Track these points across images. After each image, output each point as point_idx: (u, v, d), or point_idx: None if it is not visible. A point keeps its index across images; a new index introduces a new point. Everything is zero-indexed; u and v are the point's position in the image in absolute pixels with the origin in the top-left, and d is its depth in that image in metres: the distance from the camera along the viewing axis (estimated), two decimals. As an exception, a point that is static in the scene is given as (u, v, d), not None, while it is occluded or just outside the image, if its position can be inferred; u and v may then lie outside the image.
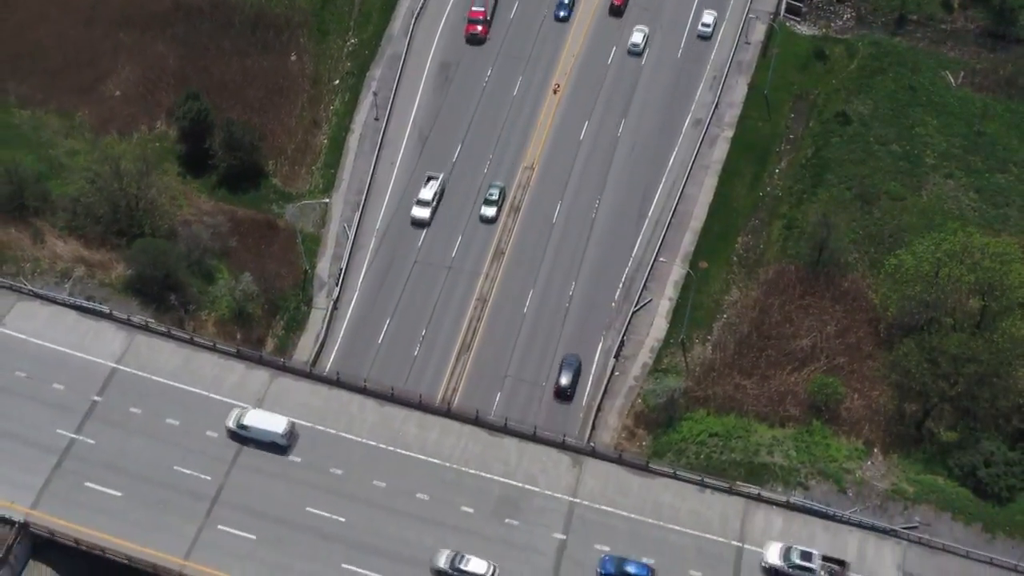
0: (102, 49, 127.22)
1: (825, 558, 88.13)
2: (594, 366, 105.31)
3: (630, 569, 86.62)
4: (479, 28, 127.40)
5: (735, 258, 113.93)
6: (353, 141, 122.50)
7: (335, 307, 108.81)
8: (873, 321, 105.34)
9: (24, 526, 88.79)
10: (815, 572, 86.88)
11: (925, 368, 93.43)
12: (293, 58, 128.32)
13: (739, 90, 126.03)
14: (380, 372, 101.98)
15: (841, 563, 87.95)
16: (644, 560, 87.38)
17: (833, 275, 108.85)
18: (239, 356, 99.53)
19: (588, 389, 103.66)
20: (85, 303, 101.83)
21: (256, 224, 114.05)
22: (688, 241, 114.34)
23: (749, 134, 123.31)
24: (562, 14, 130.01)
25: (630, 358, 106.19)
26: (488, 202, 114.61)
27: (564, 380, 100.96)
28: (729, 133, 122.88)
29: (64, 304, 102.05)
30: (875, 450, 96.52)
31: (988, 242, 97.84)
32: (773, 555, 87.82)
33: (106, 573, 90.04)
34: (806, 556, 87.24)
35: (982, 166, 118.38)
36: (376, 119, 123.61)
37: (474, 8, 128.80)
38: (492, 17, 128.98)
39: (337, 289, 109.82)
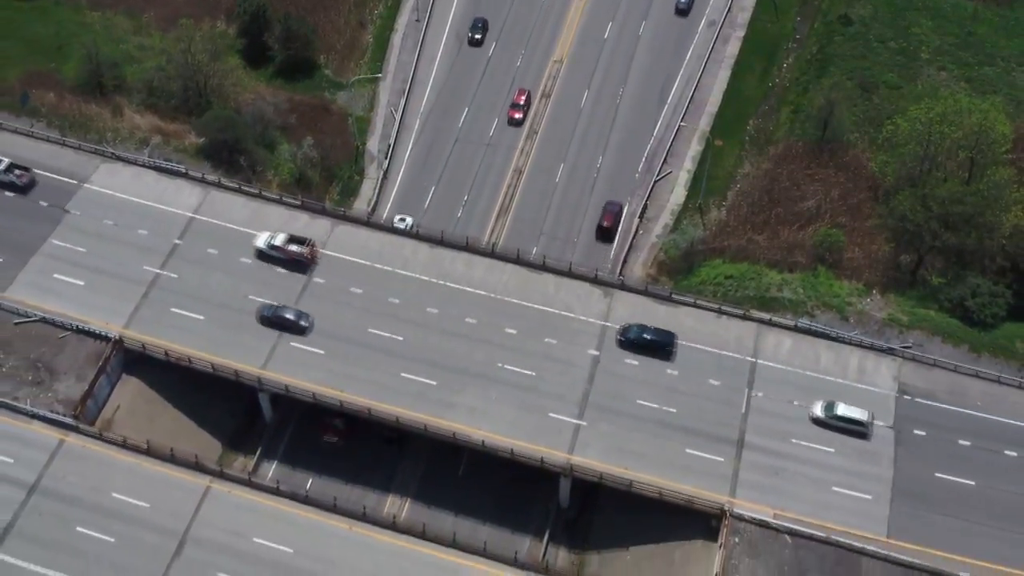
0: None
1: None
2: (620, 226, 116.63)
3: None
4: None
5: (747, 138, 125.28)
6: (397, 39, 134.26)
7: (385, 177, 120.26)
8: (873, 188, 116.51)
9: (119, 341, 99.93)
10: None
11: (919, 211, 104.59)
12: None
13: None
14: (427, 230, 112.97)
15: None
16: None
17: (836, 150, 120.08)
18: (303, 207, 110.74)
19: (615, 245, 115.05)
20: (163, 163, 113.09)
21: (312, 106, 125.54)
22: (704, 123, 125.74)
23: (759, 34, 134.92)
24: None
25: (652, 219, 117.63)
26: None
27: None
28: (740, 33, 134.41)
29: (144, 165, 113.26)
30: (874, 291, 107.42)
31: (974, 102, 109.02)
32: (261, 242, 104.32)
33: (188, 386, 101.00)
34: None
35: (972, 60, 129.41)
36: (417, 20, 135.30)
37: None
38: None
39: (386, 161, 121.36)
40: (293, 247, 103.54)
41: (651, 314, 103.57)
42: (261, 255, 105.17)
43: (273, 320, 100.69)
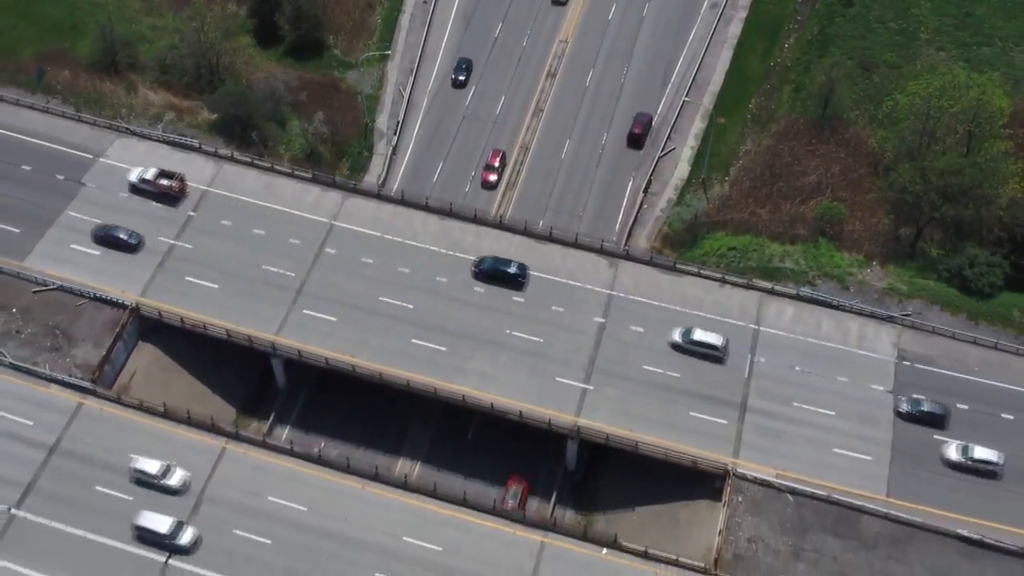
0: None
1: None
2: (624, 201, 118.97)
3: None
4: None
5: (749, 116, 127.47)
6: (405, 20, 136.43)
7: (394, 153, 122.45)
8: (873, 163, 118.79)
9: (135, 309, 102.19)
10: None
11: (918, 182, 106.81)
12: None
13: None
14: (437, 202, 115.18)
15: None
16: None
17: (837, 127, 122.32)
18: (314, 180, 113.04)
19: (619, 219, 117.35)
20: (177, 138, 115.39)
21: (321, 85, 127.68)
22: (707, 102, 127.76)
23: (761, 16, 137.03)
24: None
25: (656, 194, 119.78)
26: None
27: None
28: (743, 15, 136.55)
29: (158, 140, 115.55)
30: (874, 262, 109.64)
31: (972, 77, 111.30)
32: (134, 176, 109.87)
33: (203, 353, 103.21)
34: None
35: (971, 40, 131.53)
36: (425, 2, 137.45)
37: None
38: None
39: (395, 138, 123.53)
40: (163, 181, 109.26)
41: (655, 283, 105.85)
42: (134, 189, 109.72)
43: (106, 239, 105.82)
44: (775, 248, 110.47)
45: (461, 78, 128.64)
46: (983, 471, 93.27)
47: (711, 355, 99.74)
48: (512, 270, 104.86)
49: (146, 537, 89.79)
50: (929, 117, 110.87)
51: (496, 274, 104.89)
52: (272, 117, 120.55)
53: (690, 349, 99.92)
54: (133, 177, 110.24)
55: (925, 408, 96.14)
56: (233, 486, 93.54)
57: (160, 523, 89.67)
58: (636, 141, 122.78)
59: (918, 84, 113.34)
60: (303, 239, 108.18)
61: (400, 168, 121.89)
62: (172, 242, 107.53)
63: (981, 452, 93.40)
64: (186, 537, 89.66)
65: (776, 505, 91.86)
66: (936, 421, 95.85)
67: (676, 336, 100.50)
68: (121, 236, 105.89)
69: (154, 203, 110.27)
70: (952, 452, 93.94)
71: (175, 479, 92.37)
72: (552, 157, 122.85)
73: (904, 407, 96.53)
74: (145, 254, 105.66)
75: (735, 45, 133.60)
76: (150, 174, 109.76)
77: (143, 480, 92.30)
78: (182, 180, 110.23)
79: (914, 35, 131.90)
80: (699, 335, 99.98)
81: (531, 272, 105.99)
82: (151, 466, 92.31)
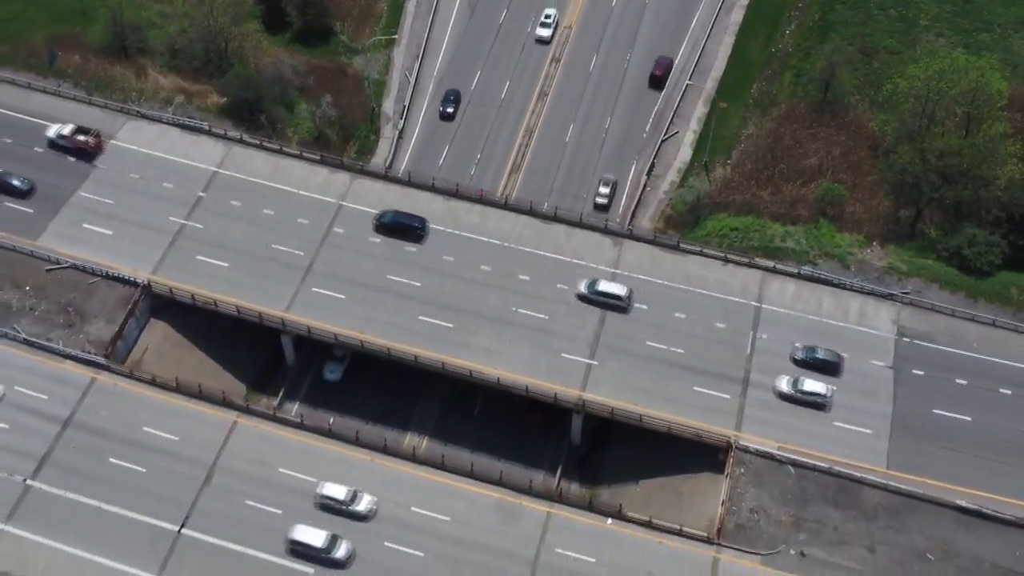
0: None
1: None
2: (628, 184, 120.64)
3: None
4: None
5: (751, 100, 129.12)
6: (411, 6, 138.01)
7: (400, 136, 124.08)
8: (873, 147, 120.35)
9: (147, 287, 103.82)
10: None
11: (918, 164, 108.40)
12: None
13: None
14: (443, 182, 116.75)
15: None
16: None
17: (837, 111, 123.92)
18: (322, 162, 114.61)
19: (623, 201, 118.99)
20: (187, 121, 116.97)
21: (328, 70, 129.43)
22: (710, 87, 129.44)
23: (762, 3, 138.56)
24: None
25: (660, 177, 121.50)
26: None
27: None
28: (744, 1, 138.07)
29: (168, 123, 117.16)
30: (874, 242, 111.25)
31: (971, 60, 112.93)
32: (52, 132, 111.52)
33: (214, 330, 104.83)
34: None
35: (970, 27, 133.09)
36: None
37: None
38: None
39: (402, 121, 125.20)
40: (79, 136, 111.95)
41: (659, 262, 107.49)
42: (52, 144, 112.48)
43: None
44: (777, 228, 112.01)
45: (449, 110, 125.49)
46: (811, 402, 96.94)
47: (616, 305, 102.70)
48: (412, 223, 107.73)
49: (299, 551, 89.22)
50: (928, 100, 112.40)
51: (396, 227, 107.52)
52: (280, 101, 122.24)
53: (596, 300, 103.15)
54: (51, 133, 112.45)
55: (819, 355, 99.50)
56: (244, 457, 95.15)
57: (315, 537, 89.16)
58: (657, 82, 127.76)
59: (918, 67, 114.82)
60: (311, 219, 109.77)
61: (407, 152, 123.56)
62: (183, 222, 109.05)
63: (810, 385, 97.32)
64: (341, 551, 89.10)
65: (778, 477, 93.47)
66: (829, 368, 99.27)
67: (582, 288, 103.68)
68: (14, 183, 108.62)
69: (166, 184, 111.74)
70: (784, 385, 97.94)
71: (363, 505, 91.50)
72: (556, 141, 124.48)
73: (799, 355, 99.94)
74: (38, 200, 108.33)
75: (737, 31, 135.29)
76: (67, 130, 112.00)
77: (329, 506, 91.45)
78: (98, 136, 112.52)
79: (914, 21, 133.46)
80: (603, 286, 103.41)
81: (534, 251, 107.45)
82: (338, 492, 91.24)
